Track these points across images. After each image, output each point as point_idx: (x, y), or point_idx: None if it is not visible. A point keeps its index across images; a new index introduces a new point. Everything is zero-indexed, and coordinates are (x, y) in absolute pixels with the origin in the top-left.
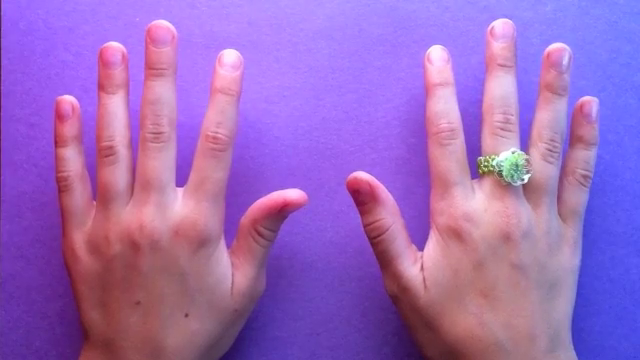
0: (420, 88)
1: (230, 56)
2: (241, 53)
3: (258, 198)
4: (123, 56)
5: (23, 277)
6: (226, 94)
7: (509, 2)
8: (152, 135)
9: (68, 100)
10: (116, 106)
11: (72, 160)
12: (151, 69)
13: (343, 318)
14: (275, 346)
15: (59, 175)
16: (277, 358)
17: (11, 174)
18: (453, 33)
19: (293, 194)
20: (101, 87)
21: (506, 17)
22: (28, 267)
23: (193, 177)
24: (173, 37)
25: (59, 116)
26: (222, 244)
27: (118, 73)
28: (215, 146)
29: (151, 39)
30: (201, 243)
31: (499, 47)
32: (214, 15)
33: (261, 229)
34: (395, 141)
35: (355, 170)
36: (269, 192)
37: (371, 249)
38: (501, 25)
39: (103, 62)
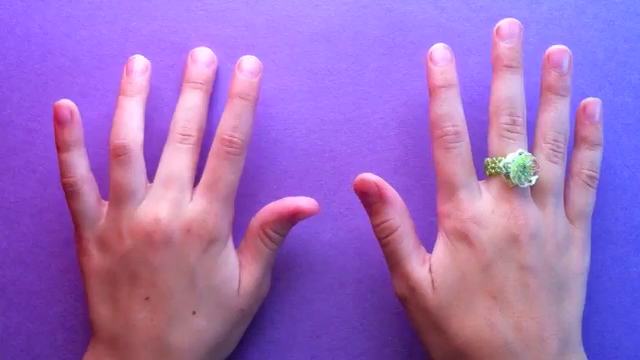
0: (417, 89)
1: (250, 62)
2: (238, 56)
3: (256, 200)
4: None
5: (23, 283)
6: (244, 99)
7: (505, 2)
8: (182, 136)
9: (66, 105)
10: (134, 110)
11: (76, 164)
12: (189, 82)
13: (343, 320)
14: (275, 349)
15: (65, 180)
16: None
17: (9, 180)
18: (450, 34)
19: (305, 202)
20: (122, 92)
21: (502, 17)
22: (28, 273)
23: (206, 178)
24: (213, 60)
25: (58, 122)
26: (230, 244)
27: (140, 81)
28: (230, 149)
29: (193, 60)
30: (211, 242)
31: (506, 47)
32: (211, 18)
33: (270, 232)
34: (393, 142)
35: (353, 172)
36: (267, 195)
37: (370, 251)
38: (508, 25)
39: (127, 69)
